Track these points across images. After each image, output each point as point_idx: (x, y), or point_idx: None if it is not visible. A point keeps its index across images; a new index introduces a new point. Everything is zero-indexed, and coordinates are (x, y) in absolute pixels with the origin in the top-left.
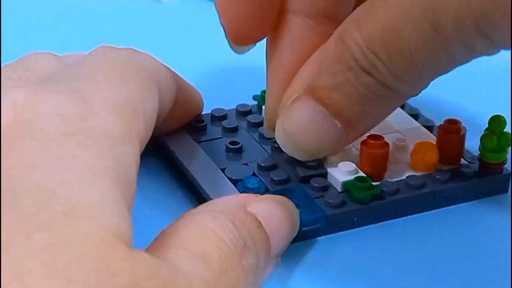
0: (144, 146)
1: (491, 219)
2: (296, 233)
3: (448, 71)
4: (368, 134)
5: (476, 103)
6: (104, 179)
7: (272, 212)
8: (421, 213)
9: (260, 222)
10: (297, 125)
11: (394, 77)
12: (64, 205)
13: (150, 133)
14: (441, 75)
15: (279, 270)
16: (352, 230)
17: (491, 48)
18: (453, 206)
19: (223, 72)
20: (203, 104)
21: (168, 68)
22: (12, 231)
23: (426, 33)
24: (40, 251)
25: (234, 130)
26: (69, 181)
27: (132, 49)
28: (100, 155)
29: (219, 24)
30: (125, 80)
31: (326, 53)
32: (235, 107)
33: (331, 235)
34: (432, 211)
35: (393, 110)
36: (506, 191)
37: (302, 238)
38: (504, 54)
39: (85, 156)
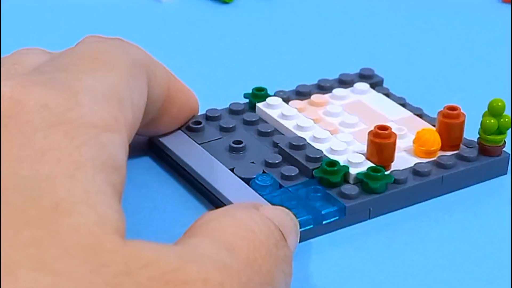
0: (133, 134)
1: (494, 201)
2: (298, 242)
3: None
4: (364, 125)
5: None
6: (89, 169)
7: (282, 218)
8: (430, 200)
9: (277, 226)
10: None
11: None
12: (50, 200)
13: (139, 121)
14: None
15: (302, 267)
16: (368, 220)
17: None
18: (459, 191)
19: (212, 71)
20: (198, 105)
21: (160, 63)
22: (1, 227)
23: None
24: (28, 245)
25: (232, 129)
26: (55, 175)
27: (119, 38)
28: (86, 145)
29: (217, 24)
30: (110, 68)
31: None
32: (227, 106)
33: (349, 227)
34: (440, 196)
35: None
36: (505, 173)
37: (322, 232)
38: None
39: (70, 148)
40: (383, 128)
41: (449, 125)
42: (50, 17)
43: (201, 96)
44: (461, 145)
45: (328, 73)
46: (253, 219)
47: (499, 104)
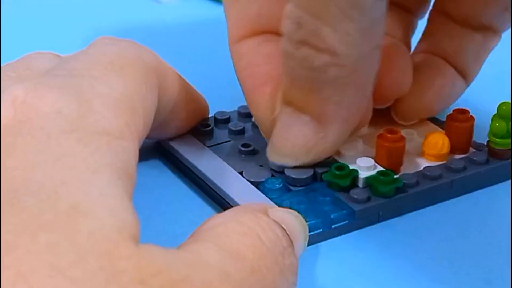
0: (142, 140)
1: (505, 204)
2: (306, 246)
3: None
4: (374, 128)
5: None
6: (104, 175)
7: (291, 222)
8: (440, 203)
9: (285, 229)
10: (278, 133)
11: (327, 31)
12: (66, 204)
13: (149, 128)
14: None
15: (310, 271)
16: (377, 224)
17: None
18: (469, 194)
19: (220, 73)
20: (208, 108)
21: (171, 67)
22: (16, 232)
23: None
24: (44, 251)
25: (241, 132)
26: (70, 180)
27: (132, 41)
28: (99, 151)
29: (217, 24)
30: (124, 74)
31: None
32: (236, 109)
33: (358, 231)
34: (450, 200)
35: (349, 93)
36: None
37: (331, 236)
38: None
39: (84, 153)
40: (392, 131)
41: (458, 129)
42: (50, 17)
43: (208, 99)
44: (470, 148)
45: None
46: (260, 226)
47: (508, 107)
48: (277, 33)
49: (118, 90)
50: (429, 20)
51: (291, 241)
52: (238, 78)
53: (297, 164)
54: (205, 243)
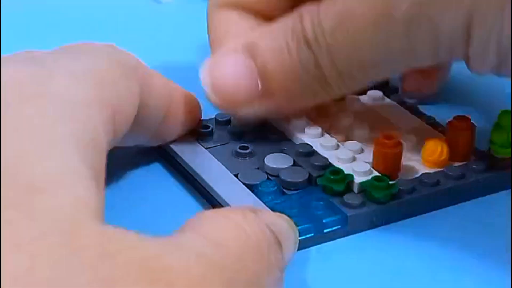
0: (124, 125)
1: (502, 214)
2: (296, 250)
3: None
4: (375, 134)
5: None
6: (66, 147)
7: (279, 224)
8: (437, 211)
9: (272, 229)
10: (222, 69)
11: (331, 61)
12: (25, 180)
13: (130, 117)
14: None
15: (300, 275)
16: (371, 230)
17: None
18: (467, 202)
19: None
20: (201, 110)
21: (156, 72)
22: None
23: (379, 19)
24: (4, 227)
25: (240, 134)
26: (29, 153)
27: (112, 45)
28: (61, 120)
29: None
30: (93, 56)
31: (278, 23)
32: None
33: (350, 236)
34: (447, 208)
35: (315, 102)
36: None
37: (323, 240)
38: None
39: (45, 124)
40: (389, 137)
41: (457, 136)
42: (49, 17)
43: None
44: (471, 156)
45: None
46: (246, 221)
47: (508, 116)
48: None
49: (86, 66)
50: None
51: (278, 240)
52: (210, 41)
53: (223, 109)
54: (187, 233)
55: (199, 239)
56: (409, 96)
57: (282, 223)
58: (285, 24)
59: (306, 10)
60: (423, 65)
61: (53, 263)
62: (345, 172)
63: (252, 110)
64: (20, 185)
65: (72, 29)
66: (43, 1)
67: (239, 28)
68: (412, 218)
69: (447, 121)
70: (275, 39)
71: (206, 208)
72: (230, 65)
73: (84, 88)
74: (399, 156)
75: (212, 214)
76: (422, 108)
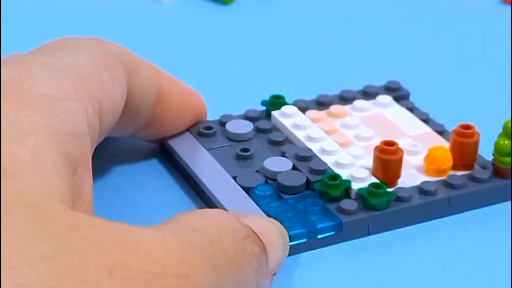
0: (111, 118)
1: (503, 224)
2: (287, 254)
3: None
4: (379, 139)
5: (488, 106)
6: (40, 137)
7: (265, 226)
8: (436, 220)
9: (255, 232)
10: None
11: None
12: None
13: (118, 109)
14: None
15: (292, 281)
16: (366, 237)
17: None
18: (468, 212)
19: (228, 76)
20: (204, 104)
21: (146, 61)
22: None
23: None
24: None
25: (244, 136)
26: (3, 141)
27: (96, 38)
28: (37, 113)
29: (217, 24)
30: (75, 52)
31: None
32: (243, 113)
33: (345, 243)
34: (447, 217)
35: None
36: None
37: (317, 246)
38: None
39: (20, 116)
40: (390, 143)
41: (461, 144)
42: (49, 17)
43: (215, 102)
44: (475, 165)
45: (354, 83)
46: (221, 216)
47: None
48: None
49: (65, 61)
50: None
51: (256, 235)
52: None
53: None
54: (164, 225)
55: (174, 225)
56: None
57: (267, 225)
58: None
59: None
60: None
61: (23, 234)
62: (344, 178)
63: None
64: None
65: (72, 29)
66: (43, 1)
67: None
68: (410, 226)
69: (448, 129)
70: None
71: (199, 206)
72: None
73: (63, 82)
74: (399, 163)
75: (190, 211)
76: (433, 115)
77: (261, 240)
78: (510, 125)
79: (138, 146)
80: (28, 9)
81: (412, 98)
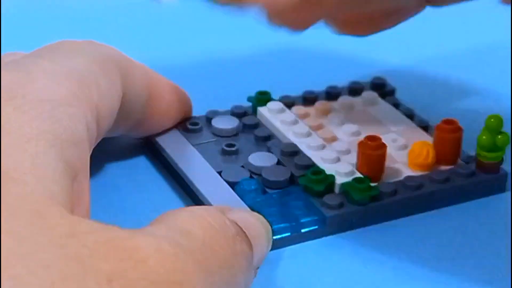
0: (107, 121)
1: (489, 219)
2: (270, 249)
3: None
4: (365, 135)
5: (473, 102)
6: (41, 143)
7: (251, 222)
8: (419, 214)
9: (241, 228)
10: None
11: None
12: None
13: (113, 112)
14: None
15: (276, 274)
16: (350, 231)
17: None
18: (451, 207)
19: (216, 72)
20: (190, 102)
21: (138, 62)
22: None
23: None
24: None
25: (229, 132)
26: (4, 146)
27: (92, 41)
28: (38, 118)
29: (217, 24)
30: (72, 56)
31: None
32: (229, 108)
33: (329, 237)
34: (430, 211)
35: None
36: (504, 191)
37: (300, 240)
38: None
39: (21, 121)
40: (373, 139)
41: (444, 139)
42: (49, 17)
43: (203, 98)
44: (458, 160)
45: (340, 80)
46: (210, 215)
47: (496, 120)
48: None
49: (64, 65)
50: None
51: (243, 232)
52: None
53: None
54: (154, 224)
55: (166, 228)
56: None
57: (252, 221)
58: None
59: None
60: None
61: (22, 239)
62: (328, 173)
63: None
64: None
65: (72, 29)
66: (43, 1)
67: None
68: (393, 221)
69: (433, 124)
70: None
71: (188, 204)
72: None
73: (63, 87)
74: (382, 158)
75: (178, 209)
76: (419, 111)
77: (248, 237)
78: (492, 120)
79: (124, 143)
80: (28, 9)
81: (397, 95)
